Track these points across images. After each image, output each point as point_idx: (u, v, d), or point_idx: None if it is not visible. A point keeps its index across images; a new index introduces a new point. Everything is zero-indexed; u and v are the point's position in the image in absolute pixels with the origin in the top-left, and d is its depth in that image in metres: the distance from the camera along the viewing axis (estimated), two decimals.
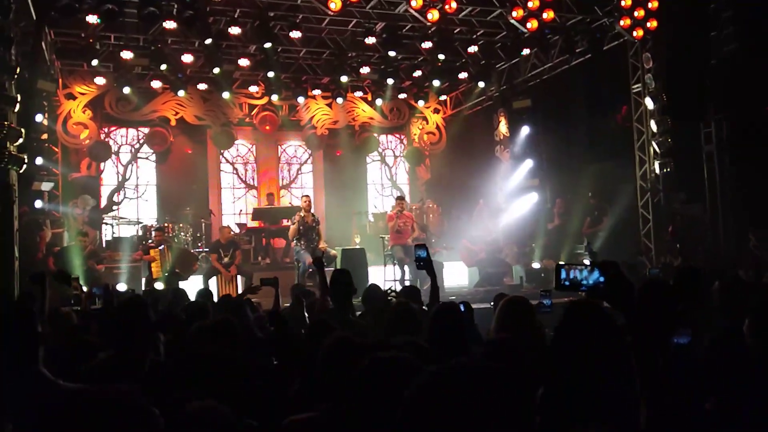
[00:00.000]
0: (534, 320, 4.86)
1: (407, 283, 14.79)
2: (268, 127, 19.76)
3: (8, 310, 3.73)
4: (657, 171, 15.29)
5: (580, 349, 2.99)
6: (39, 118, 14.29)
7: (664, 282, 5.44)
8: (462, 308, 4.98)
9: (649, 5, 14.47)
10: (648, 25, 14.56)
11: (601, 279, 2.32)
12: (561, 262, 2.56)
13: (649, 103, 15.29)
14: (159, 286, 13.80)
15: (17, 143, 11.34)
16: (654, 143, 15.28)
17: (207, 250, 16.22)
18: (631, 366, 2.32)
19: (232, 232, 15.96)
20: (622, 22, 14.55)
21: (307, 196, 15.12)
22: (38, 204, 14.53)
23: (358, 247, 15.49)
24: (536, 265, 16.66)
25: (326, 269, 13.84)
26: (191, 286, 14.35)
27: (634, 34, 14.73)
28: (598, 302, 3.41)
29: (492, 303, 7.28)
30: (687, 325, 3.50)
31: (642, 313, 2.25)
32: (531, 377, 3.32)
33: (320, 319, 5.19)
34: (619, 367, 2.69)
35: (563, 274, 2.44)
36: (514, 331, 4.42)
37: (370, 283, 8.70)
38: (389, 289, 8.39)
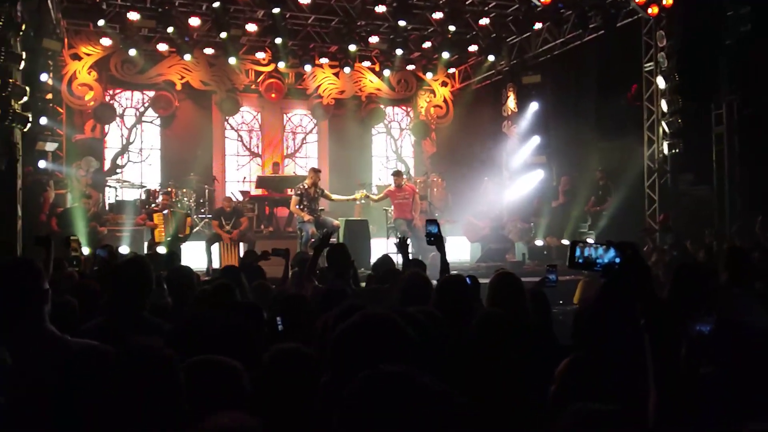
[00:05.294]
0: (523, 298, 4.84)
1: (410, 257, 14.72)
2: (273, 95, 19.61)
3: (13, 266, 3.59)
4: (665, 151, 15.15)
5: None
6: (44, 77, 14.25)
7: (704, 265, 5.39)
8: (468, 281, 4.92)
9: None
10: (663, 2, 14.37)
11: (617, 259, 2.25)
12: (576, 240, 2.47)
13: (660, 82, 15.10)
14: (161, 250, 13.78)
15: (21, 101, 11.29)
16: (664, 123, 15.13)
17: (210, 216, 16.15)
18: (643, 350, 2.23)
19: (234, 200, 15.93)
20: None
21: (317, 170, 15.02)
22: (42, 164, 14.51)
23: (360, 218, 15.39)
24: (539, 243, 16.61)
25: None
26: (194, 253, 14.41)
27: (649, 11, 14.55)
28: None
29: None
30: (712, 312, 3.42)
31: (677, 296, 2.17)
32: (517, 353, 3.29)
33: (336, 288, 5.15)
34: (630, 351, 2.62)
35: (578, 252, 2.36)
36: (504, 306, 4.41)
37: (384, 254, 8.76)
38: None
